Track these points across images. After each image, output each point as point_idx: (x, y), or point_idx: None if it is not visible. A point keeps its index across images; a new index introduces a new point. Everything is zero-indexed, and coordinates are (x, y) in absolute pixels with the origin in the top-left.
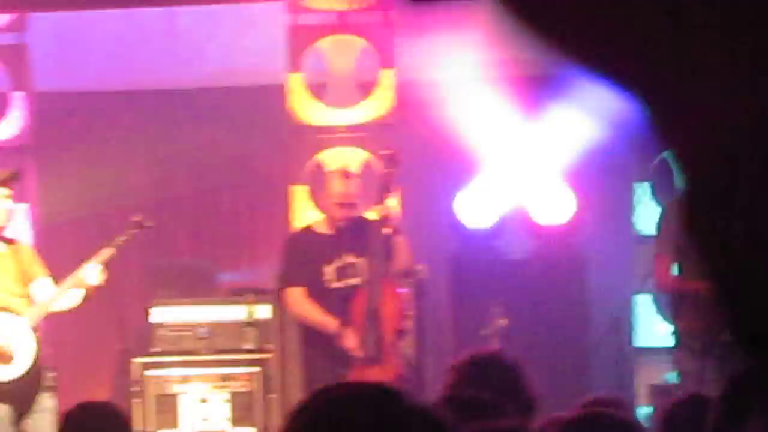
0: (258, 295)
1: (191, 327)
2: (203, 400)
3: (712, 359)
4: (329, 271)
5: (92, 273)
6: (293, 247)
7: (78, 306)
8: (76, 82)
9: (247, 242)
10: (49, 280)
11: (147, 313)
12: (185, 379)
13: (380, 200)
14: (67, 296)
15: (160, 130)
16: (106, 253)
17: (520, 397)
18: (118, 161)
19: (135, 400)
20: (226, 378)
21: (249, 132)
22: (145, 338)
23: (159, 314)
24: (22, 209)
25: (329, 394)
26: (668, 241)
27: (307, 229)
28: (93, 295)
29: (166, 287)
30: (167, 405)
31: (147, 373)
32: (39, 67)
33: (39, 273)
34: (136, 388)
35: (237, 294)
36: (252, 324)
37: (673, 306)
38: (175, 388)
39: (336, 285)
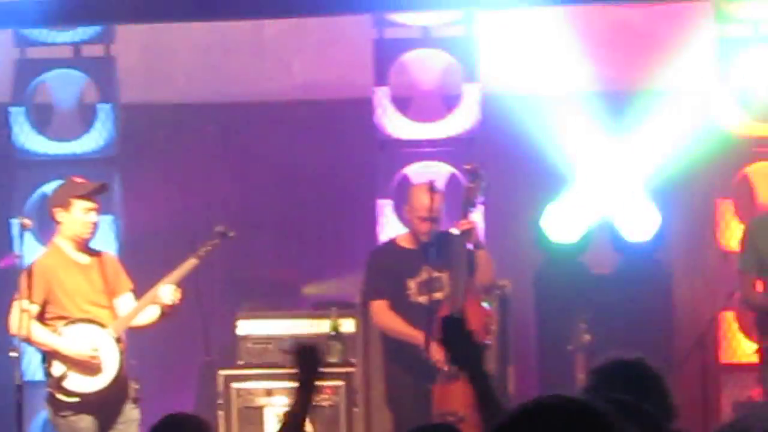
0: (342, 308)
1: (276, 340)
2: None
3: None
4: (412, 285)
5: (167, 292)
6: (377, 261)
7: (155, 322)
8: (162, 94)
9: (332, 255)
10: (131, 295)
11: (232, 326)
12: (269, 392)
13: (464, 215)
14: (145, 312)
15: (245, 143)
16: (190, 263)
17: (664, 403)
18: (202, 173)
19: (219, 413)
20: None
21: (334, 145)
22: (230, 351)
23: (244, 327)
24: (107, 221)
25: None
26: (751, 258)
27: (391, 243)
28: (169, 313)
29: (251, 299)
30: (251, 418)
31: (232, 385)
32: (125, 79)
33: (124, 287)
34: (221, 401)
35: (321, 307)
36: (336, 338)
37: (758, 323)
38: (259, 401)
39: (419, 299)
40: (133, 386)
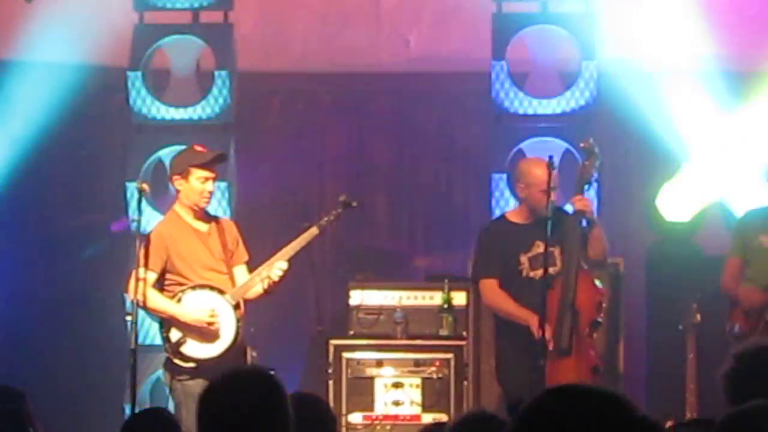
0: (454, 281)
1: (387, 311)
2: (396, 385)
3: None
4: (524, 260)
5: (277, 269)
6: (488, 238)
7: (258, 297)
8: (278, 62)
9: (446, 228)
10: (245, 268)
11: (345, 296)
12: (380, 363)
13: (578, 192)
14: (253, 288)
15: (359, 114)
16: (311, 233)
17: None
18: (316, 143)
19: (329, 382)
20: (419, 363)
21: (450, 118)
22: (341, 321)
23: (356, 297)
24: (221, 187)
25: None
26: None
27: (502, 219)
28: (271, 291)
29: (363, 270)
30: (361, 388)
31: (342, 355)
32: (242, 46)
33: (241, 258)
34: (331, 370)
35: (433, 279)
36: (447, 310)
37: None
38: (369, 371)
39: (531, 274)
40: (251, 354)
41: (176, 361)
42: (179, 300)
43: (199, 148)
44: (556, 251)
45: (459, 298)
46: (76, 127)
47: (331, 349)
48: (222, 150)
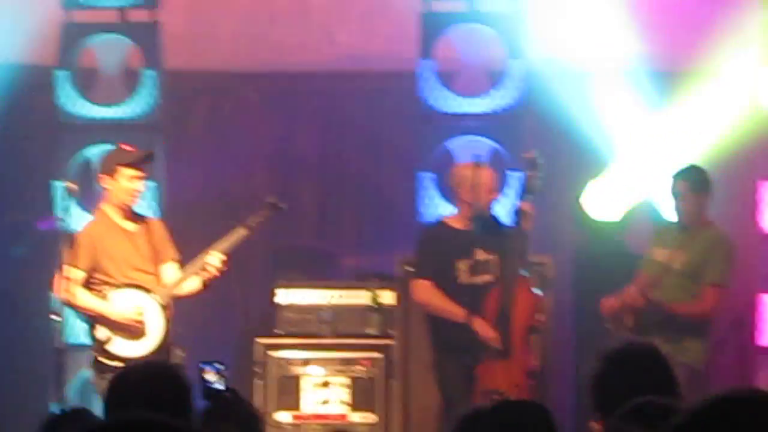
0: (382, 280)
1: (315, 310)
2: (324, 384)
3: None
4: (462, 266)
5: (215, 260)
6: (427, 240)
7: (196, 292)
8: (206, 61)
9: (373, 227)
10: (176, 265)
11: (271, 294)
12: (307, 362)
13: (520, 202)
14: (189, 282)
15: (287, 112)
16: (239, 233)
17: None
18: (245, 142)
19: (257, 381)
20: (347, 362)
21: (377, 117)
22: (268, 319)
23: (283, 296)
24: (150, 187)
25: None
26: None
27: (442, 224)
28: (210, 284)
29: (290, 269)
30: (288, 387)
31: (269, 354)
32: (170, 45)
33: (169, 256)
34: (258, 369)
35: (361, 279)
36: (376, 309)
37: None
38: (296, 370)
39: (468, 281)
40: (179, 354)
41: (102, 359)
42: (107, 297)
43: (126, 147)
44: (495, 259)
45: (387, 297)
46: (2, 126)
47: (258, 348)
48: (150, 149)
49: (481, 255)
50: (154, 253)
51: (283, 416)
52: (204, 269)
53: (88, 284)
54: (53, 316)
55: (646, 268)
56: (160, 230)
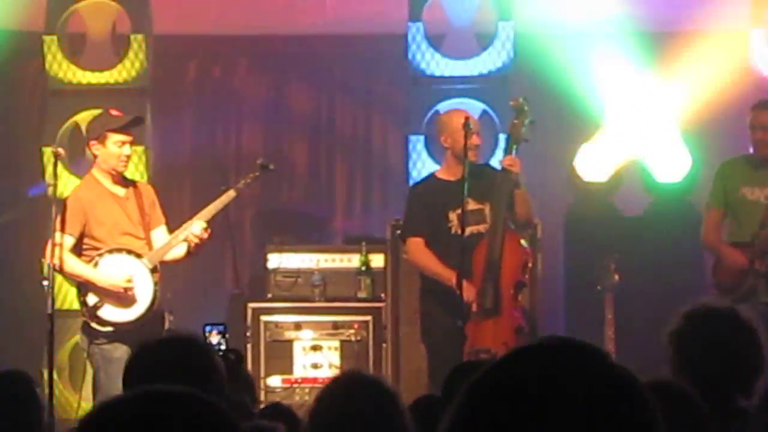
0: (372, 243)
1: (305, 274)
2: (315, 348)
3: None
4: (453, 217)
5: (197, 229)
6: (416, 196)
7: (182, 258)
8: (195, 25)
9: (364, 190)
10: (164, 229)
11: (263, 259)
12: (298, 326)
13: (508, 151)
14: (176, 248)
15: (276, 76)
16: (229, 195)
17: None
18: (234, 106)
19: (248, 345)
20: (338, 326)
21: (367, 80)
22: (259, 284)
23: (274, 260)
24: (138, 151)
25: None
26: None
27: (431, 177)
28: (195, 252)
29: (281, 233)
30: (280, 351)
31: (261, 318)
32: (158, 9)
33: (159, 220)
34: (249, 334)
35: (351, 242)
36: (365, 273)
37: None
38: (287, 334)
39: (459, 231)
40: (169, 318)
41: (93, 325)
42: (96, 264)
43: (114, 112)
44: (487, 208)
45: (377, 261)
46: None
47: (250, 312)
48: (138, 113)
49: (472, 204)
50: (143, 217)
51: (275, 380)
52: (187, 237)
53: (78, 249)
54: (44, 282)
55: (734, 209)
56: (149, 195)
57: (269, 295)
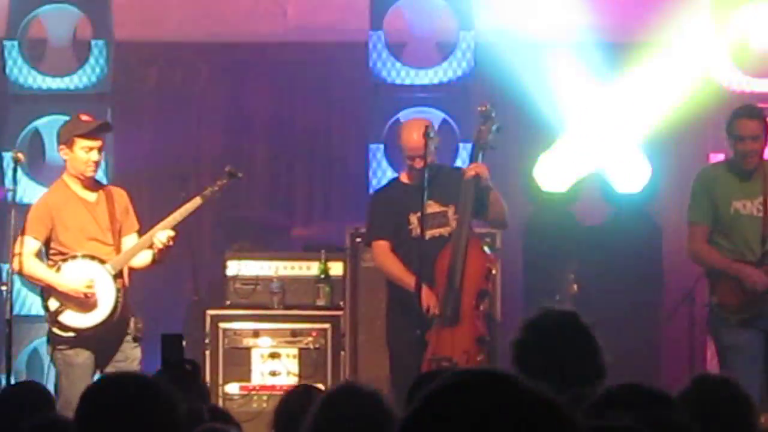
0: (331, 251)
1: (264, 281)
2: (273, 355)
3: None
4: (414, 220)
5: (162, 236)
6: (379, 199)
7: (148, 266)
8: (156, 32)
9: (323, 198)
10: (136, 237)
11: (222, 266)
12: (256, 333)
13: (474, 157)
14: (141, 255)
15: (237, 84)
16: (195, 203)
17: (594, 362)
18: (194, 113)
19: (206, 353)
20: (296, 333)
21: (327, 88)
22: (218, 291)
23: (233, 267)
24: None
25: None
26: (705, 208)
27: (394, 181)
28: (160, 259)
29: (240, 240)
30: (238, 358)
31: (219, 325)
32: (119, 15)
33: (131, 227)
34: (208, 341)
35: (310, 250)
36: (324, 281)
37: (710, 279)
38: (246, 342)
39: (419, 234)
40: (137, 325)
41: (55, 330)
42: (59, 269)
43: (84, 117)
44: (450, 210)
45: (336, 269)
46: None
47: (208, 319)
48: (105, 119)
49: (434, 207)
50: (113, 223)
51: (233, 387)
52: (151, 247)
53: (45, 254)
54: (2, 287)
55: (738, 228)
56: (122, 200)
57: (228, 302)
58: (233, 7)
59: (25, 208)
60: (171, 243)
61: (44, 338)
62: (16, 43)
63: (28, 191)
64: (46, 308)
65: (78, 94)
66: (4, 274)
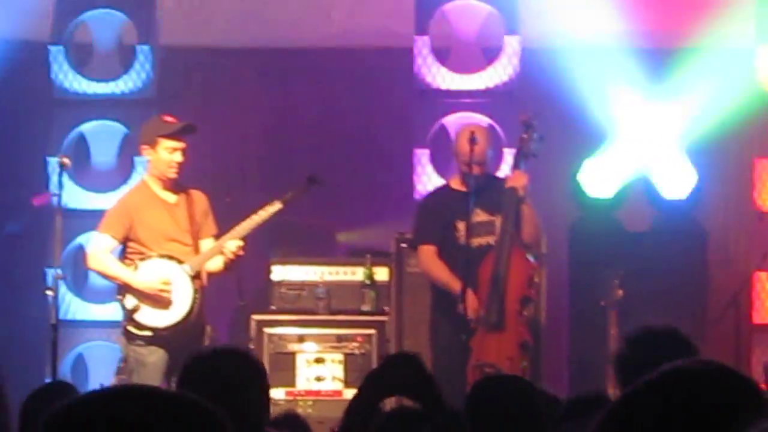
0: (376, 257)
1: (310, 286)
2: (318, 360)
3: None
4: (461, 227)
5: (231, 245)
6: (427, 204)
7: (219, 272)
8: (201, 37)
9: (368, 203)
10: (212, 241)
11: (267, 271)
12: (301, 338)
13: (515, 166)
14: (213, 261)
15: (282, 89)
16: (274, 207)
17: None
18: (238, 118)
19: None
20: (341, 339)
21: (372, 94)
22: (263, 296)
23: (278, 272)
24: (143, 162)
25: None
26: None
27: (445, 186)
28: (231, 267)
29: (286, 245)
30: (283, 363)
31: (264, 330)
32: (164, 21)
33: (209, 231)
34: (253, 346)
35: (356, 255)
36: (369, 286)
37: None
38: (291, 347)
39: (466, 242)
40: (208, 330)
41: (131, 328)
42: (136, 267)
43: (168, 118)
44: (497, 220)
45: (381, 274)
46: None
47: (253, 324)
48: (190, 122)
49: (481, 216)
50: (192, 225)
51: (278, 392)
52: (223, 252)
53: (123, 253)
54: (48, 292)
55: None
56: (201, 203)
57: (273, 308)
58: (278, 13)
59: (70, 213)
60: (241, 252)
61: (89, 343)
62: (61, 48)
63: (74, 196)
64: (122, 306)
65: (123, 100)
66: (50, 279)
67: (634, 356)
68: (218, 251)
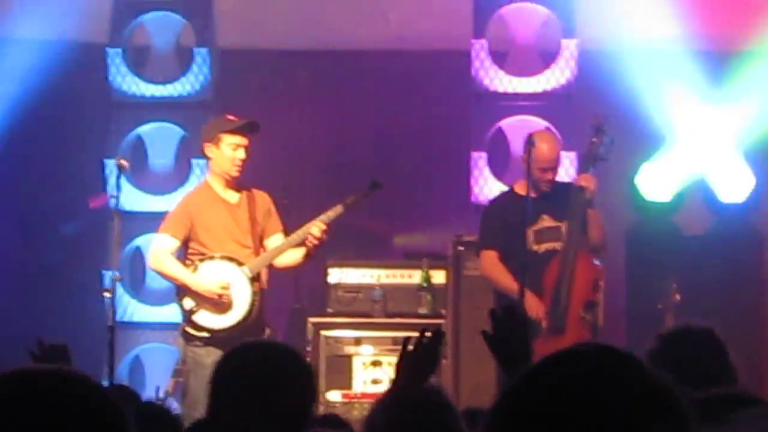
0: (433, 260)
1: (366, 289)
2: (375, 363)
3: None
4: (530, 233)
5: (314, 232)
6: (493, 210)
7: (299, 263)
8: (258, 39)
9: (425, 206)
10: (281, 237)
11: (323, 273)
12: (358, 341)
13: (583, 169)
14: (288, 254)
15: (339, 91)
16: (336, 211)
17: (728, 375)
18: (295, 120)
19: (308, 359)
20: (398, 342)
21: (430, 96)
22: (319, 298)
23: (335, 275)
24: (202, 164)
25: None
26: None
27: (510, 191)
28: (314, 254)
29: (342, 248)
30: (339, 366)
31: (321, 333)
32: (222, 23)
33: (274, 228)
34: (310, 348)
35: (412, 258)
36: (426, 289)
37: None
38: (347, 350)
39: (535, 248)
40: (267, 332)
41: (189, 329)
42: (196, 269)
43: (230, 117)
44: (564, 226)
45: (438, 277)
46: (55, 104)
47: (310, 327)
48: (253, 119)
49: (548, 221)
50: (254, 226)
51: (334, 395)
52: (305, 241)
53: (184, 254)
54: (105, 294)
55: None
56: (264, 203)
57: (329, 310)
58: (335, 15)
59: (127, 216)
60: (325, 237)
61: (146, 345)
62: (119, 50)
63: (131, 198)
64: (180, 307)
65: (180, 102)
66: (107, 281)
67: (666, 352)
68: (291, 245)
